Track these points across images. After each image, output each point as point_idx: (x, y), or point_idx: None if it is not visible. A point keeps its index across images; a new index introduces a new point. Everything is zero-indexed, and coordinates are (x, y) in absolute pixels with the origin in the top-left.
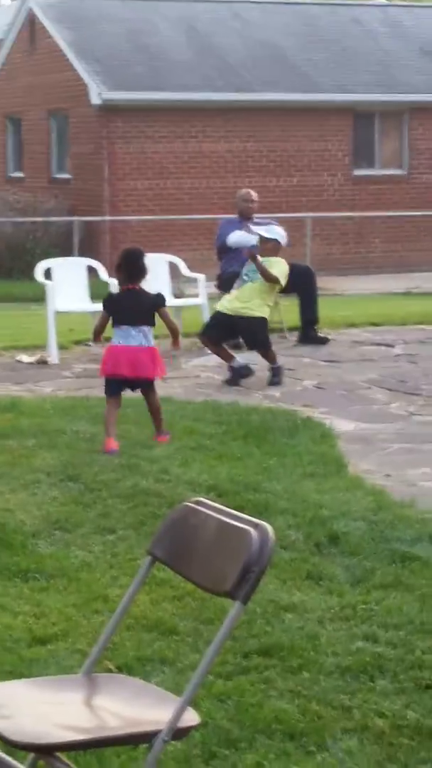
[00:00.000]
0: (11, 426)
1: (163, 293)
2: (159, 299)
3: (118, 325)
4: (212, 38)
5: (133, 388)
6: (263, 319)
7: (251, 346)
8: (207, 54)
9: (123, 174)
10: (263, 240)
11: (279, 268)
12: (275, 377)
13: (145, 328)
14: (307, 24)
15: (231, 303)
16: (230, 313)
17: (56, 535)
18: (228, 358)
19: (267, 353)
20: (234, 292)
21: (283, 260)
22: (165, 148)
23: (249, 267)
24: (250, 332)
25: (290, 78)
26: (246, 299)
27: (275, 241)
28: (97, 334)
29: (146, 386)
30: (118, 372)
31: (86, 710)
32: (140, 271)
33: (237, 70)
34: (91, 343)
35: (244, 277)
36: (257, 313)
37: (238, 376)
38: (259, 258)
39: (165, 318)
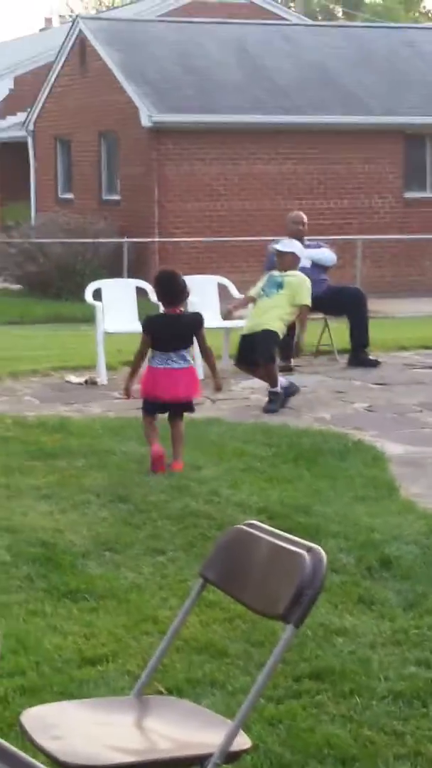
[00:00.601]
0: (60, 446)
1: (202, 313)
2: (197, 321)
3: (159, 349)
4: (262, 60)
5: (167, 411)
6: (274, 333)
7: (260, 359)
8: (257, 76)
9: (173, 195)
10: (280, 254)
11: (303, 289)
12: (271, 404)
13: (184, 351)
14: (357, 46)
15: (250, 321)
16: (249, 332)
17: (106, 555)
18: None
19: (268, 369)
20: (252, 310)
21: (305, 278)
22: (215, 170)
23: (267, 283)
24: (260, 344)
25: (340, 100)
26: (261, 314)
27: (292, 254)
28: (135, 371)
29: (181, 409)
30: (157, 394)
31: (137, 732)
32: (177, 294)
33: (287, 91)
34: (120, 394)
35: (262, 293)
36: (269, 327)
37: (285, 395)
38: (279, 272)
39: (200, 342)
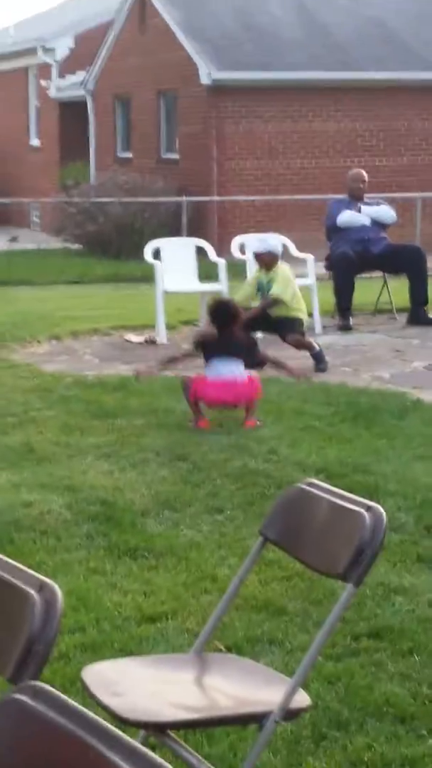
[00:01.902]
0: (120, 405)
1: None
2: (252, 344)
3: (211, 360)
4: (322, 16)
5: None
6: (296, 320)
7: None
8: (316, 32)
9: (232, 154)
10: (257, 256)
11: (288, 281)
12: (320, 364)
13: (236, 362)
14: (416, 0)
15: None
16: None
17: (165, 514)
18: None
19: (298, 343)
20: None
21: (286, 269)
22: (274, 128)
23: (258, 292)
24: (285, 328)
25: (400, 56)
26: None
27: (267, 252)
28: (173, 361)
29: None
30: (222, 400)
31: (198, 689)
32: (231, 319)
33: (346, 48)
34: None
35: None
36: (289, 316)
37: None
38: (264, 275)
39: (258, 362)
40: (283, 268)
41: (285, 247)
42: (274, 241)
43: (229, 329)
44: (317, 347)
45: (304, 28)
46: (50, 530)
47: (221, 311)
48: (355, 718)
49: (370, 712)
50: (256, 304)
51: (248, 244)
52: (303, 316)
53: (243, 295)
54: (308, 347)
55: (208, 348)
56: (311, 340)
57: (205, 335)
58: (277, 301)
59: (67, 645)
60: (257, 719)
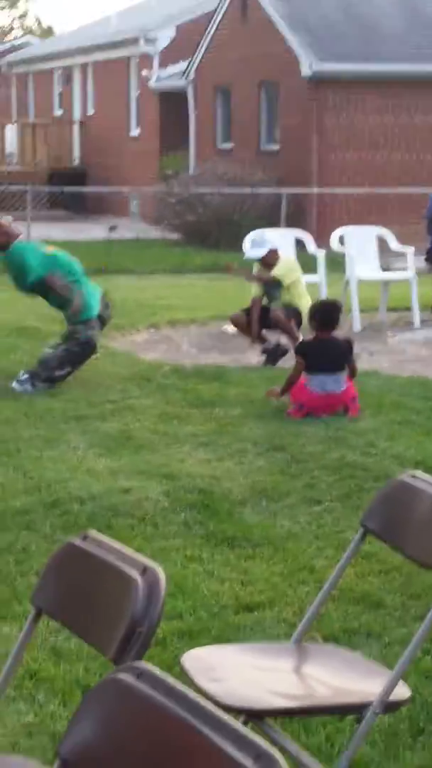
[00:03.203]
0: (218, 395)
1: (351, 341)
2: (349, 346)
3: (314, 372)
4: (425, 8)
5: None
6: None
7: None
8: (419, 23)
9: (332, 146)
10: (261, 260)
11: (288, 270)
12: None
13: (339, 375)
14: None
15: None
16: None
17: (262, 504)
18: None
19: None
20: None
21: (287, 260)
22: (375, 120)
23: (267, 293)
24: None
25: None
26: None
27: (266, 254)
28: (290, 386)
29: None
30: (325, 411)
31: (296, 678)
32: (333, 322)
33: None
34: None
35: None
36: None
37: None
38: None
39: (352, 366)
40: (286, 258)
41: (384, 239)
42: (268, 236)
43: (330, 332)
44: (287, 345)
45: (407, 20)
46: (148, 517)
47: (327, 312)
48: None
49: None
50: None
51: (347, 236)
52: (302, 310)
53: (254, 289)
54: (287, 330)
55: (311, 355)
56: (294, 329)
57: (305, 341)
58: (275, 281)
59: (164, 631)
60: (357, 710)
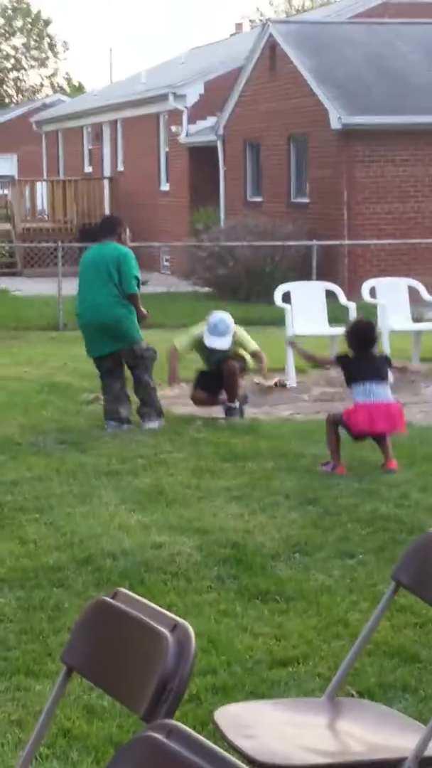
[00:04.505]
0: (250, 448)
1: (387, 355)
2: (388, 362)
3: (360, 382)
4: None
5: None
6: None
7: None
8: None
9: (362, 198)
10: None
11: (245, 339)
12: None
13: (384, 383)
14: None
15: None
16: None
17: (296, 557)
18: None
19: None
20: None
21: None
22: (405, 172)
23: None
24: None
25: None
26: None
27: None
28: (311, 359)
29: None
30: (376, 429)
31: (330, 734)
32: (371, 340)
33: None
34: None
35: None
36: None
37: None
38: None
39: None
40: (239, 331)
41: (416, 290)
42: (228, 321)
43: (369, 351)
44: (236, 403)
45: None
46: (181, 572)
47: (362, 331)
48: None
49: None
50: (191, 357)
51: (378, 287)
52: (248, 359)
53: (182, 343)
54: (233, 385)
55: (353, 367)
56: (237, 389)
57: (345, 356)
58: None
59: (198, 687)
60: (391, 766)
